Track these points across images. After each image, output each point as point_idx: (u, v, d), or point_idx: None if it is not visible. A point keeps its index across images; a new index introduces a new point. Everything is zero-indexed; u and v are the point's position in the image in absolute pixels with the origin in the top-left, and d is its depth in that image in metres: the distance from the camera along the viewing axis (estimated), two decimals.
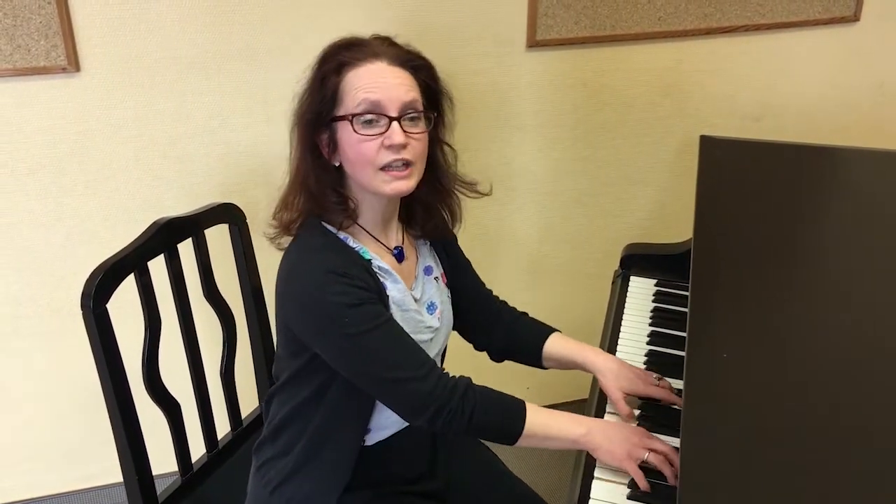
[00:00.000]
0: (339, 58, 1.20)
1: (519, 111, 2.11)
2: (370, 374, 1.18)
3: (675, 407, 1.34)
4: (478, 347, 1.49)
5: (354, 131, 1.18)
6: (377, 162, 1.18)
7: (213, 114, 1.91)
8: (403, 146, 1.18)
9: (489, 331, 1.46)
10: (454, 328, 1.45)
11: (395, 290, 1.26)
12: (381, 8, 1.92)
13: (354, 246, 1.25)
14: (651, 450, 1.18)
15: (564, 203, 2.25)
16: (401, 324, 1.24)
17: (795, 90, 2.27)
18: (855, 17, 2.22)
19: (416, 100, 1.21)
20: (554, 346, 1.42)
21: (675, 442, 1.22)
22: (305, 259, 1.22)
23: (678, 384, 1.34)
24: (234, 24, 1.85)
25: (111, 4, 1.77)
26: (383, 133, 1.17)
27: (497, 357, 1.49)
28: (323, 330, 1.18)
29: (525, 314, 1.49)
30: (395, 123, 1.17)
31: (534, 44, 2.03)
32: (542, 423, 1.21)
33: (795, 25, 2.19)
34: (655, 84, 2.16)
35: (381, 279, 1.25)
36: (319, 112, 1.20)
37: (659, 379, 1.36)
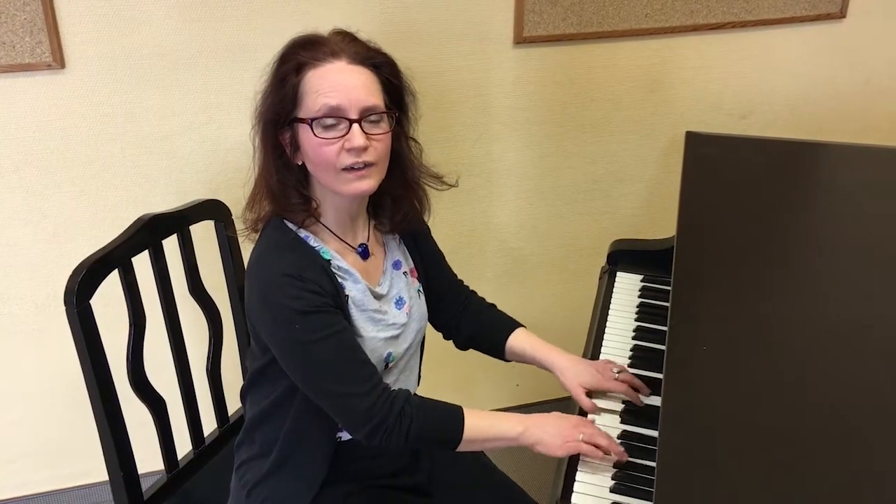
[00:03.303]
0: (298, 58, 1.19)
1: (506, 108, 2.11)
2: (312, 382, 1.20)
3: (654, 400, 1.34)
4: (446, 336, 1.51)
5: (315, 135, 1.17)
6: (338, 164, 1.18)
7: (199, 110, 1.91)
8: (364, 149, 1.17)
9: (457, 320, 1.48)
10: None
11: (355, 290, 1.26)
12: (369, 4, 1.92)
13: (315, 245, 1.25)
14: (582, 432, 1.21)
15: (551, 199, 2.25)
16: (361, 322, 1.25)
17: (782, 87, 2.28)
18: (841, 14, 2.23)
19: (377, 101, 1.20)
20: (517, 341, 1.44)
21: (655, 434, 1.22)
22: (265, 259, 1.22)
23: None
24: (221, 21, 1.85)
25: (96, 1, 1.76)
26: (343, 136, 1.17)
27: (462, 346, 1.50)
28: (274, 332, 1.20)
29: (493, 306, 1.50)
30: (355, 126, 1.17)
31: (521, 40, 2.03)
32: (481, 427, 1.23)
33: (782, 22, 2.20)
34: (642, 81, 2.17)
35: (340, 279, 1.25)
36: (280, 113, 1.20)
37: (619, 371, 1.37)
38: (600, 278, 1.80)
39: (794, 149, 1.89)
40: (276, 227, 1.25)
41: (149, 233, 1.47)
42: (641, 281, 1.75)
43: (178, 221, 1.55)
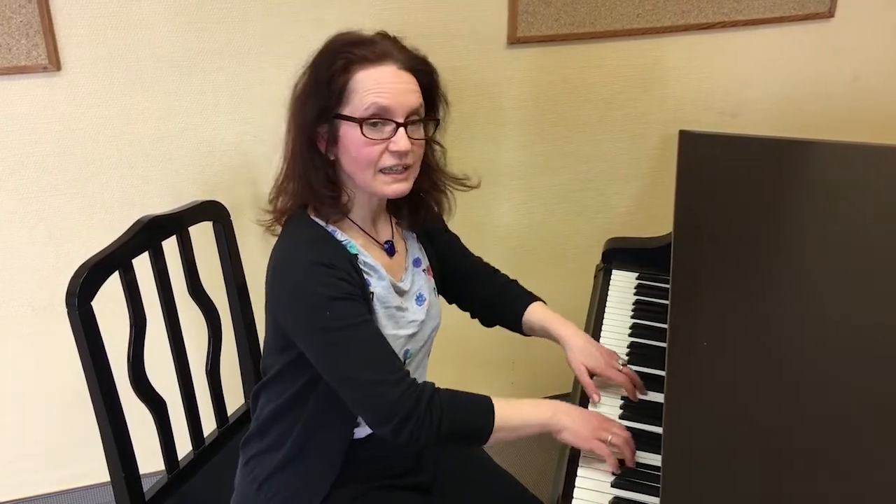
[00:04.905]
0: (348, 55, 1.20)
1: (500, 108, 2.12)
2: (342, 371, 1.19)
3: (655, 396, 1.36)
4: (472, 315, 1.52)
5: (363, 134, 1.18)
6: (379, 165, 1.20)
7: (195, 112, 1.91)
8: (406, 153, 1.20)
9: (478, 298, 1.50)
10: (449, 301, 1.48)
11: (379, 287, 1.27)
12: (364, 5, 1.93)
13: (342, 239, 1.26)
14: (612, 433, 1.21)
15: (546, 198, 2.27)
16: (383, 320, 1.26)
17: (771, 85, 2.31)
18: (829, 14, 2.26)
19: (421, 105, 1.23)
20: (533, 314, 1.45)
21: (658, 430, 1.24)
22: (293, 251, 1.23)
23: (660, 374, 1.36)
24: (216, 23, 1.85)
25: (92, 3, 1.76)
26: (388, 138, 1.19)
27: (487, 323, 1.52)
28: (304, 322, 1.20)
29: (514, 282, 1.52)
30: (401, 129, 1.19)
31: (515, 41, 2.05)
32: (511, 415, 1.22)
33: (771, 22, 2.22)
34: (635, 80, 2.19)
35: (366, 275, 1.26)
36: (324, 108, 1.20)
37: (623, 364, 1.39)
38: (596, 276, 1.82)
39: (786, 146, 1.92)
40: (301, 222, 1.26)
41: (148, 234, 1.47)
42: (637, 279, 1.76)
43: (176, 223, 1.55)
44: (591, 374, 1.37)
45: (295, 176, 1.25)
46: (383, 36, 1.25)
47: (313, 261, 1.18)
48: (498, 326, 1.52)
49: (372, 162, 1.20)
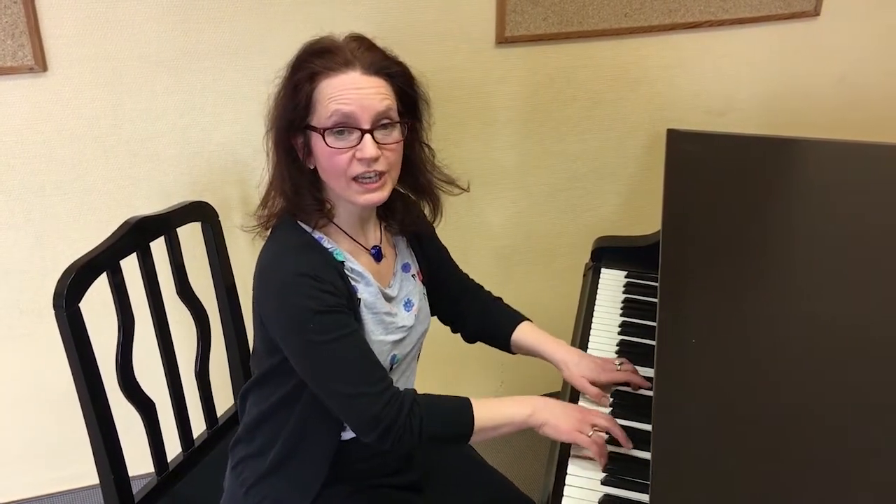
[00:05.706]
0: (312, 66, 1.19)
1: (489, 107, 2.13)
2: (326, 383, 1.20)
3: (644, 392, 1.37)
4: (453, 330, 1.52)
5: (326, 144, 1.18)
6: (349, 173, 1.19)
7: (182, 112, 1.90)
8: (375, 159, 1.18)
9: (464, 314, 1.49)
10: (433, 313, 1.47)
11: (367, 293, 1.27)
12: (352, 5, 1.93)
13: (328, 247, 1.25)
14: (594, 425, 1.22)
15: (535, 197, 2.27)
16: (371, 326, 1.26)
17: (758, 84, 2.32)
18: (815, 13, 2.27)
19: (391, 108, 1.20)
20: (522, 335, 1.45)
21: (647, 427, 1.24)
22: (280, 259, 1.22)
23: (649, 372, 1.37)
24: (203, 22, 1.85)
25: (78, 4, 1.75)
26: (355, 146, 1.17)
27: (469, 339, 1.52)
28: (288, 332, 1.20)
29: (499, 299, 1.52)
30: (367, 136, 1.17)
31: (503, 40, 2.05)
32: (490, 415, 1.23)
33: (757, 21, 2.23)
34: (622, 79, 2.20)
35: (353, 282, 1.25)
36: (293, 119, 1.20)
37: (620, 364, 1.39)
38: (585, 275, 1.82)
39: (773, 145, 1.93)
40: (288, 227, 1.25)
41: (136, 235, 1.47)
42: (626, 277, 1.77)
43: (165, 223, 1.55)
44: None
45: (277, 185, 1.25)
46: (353, 39, 1.23)
47: (298, 272, 1.17)
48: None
49: (341, 171, 1.18)
